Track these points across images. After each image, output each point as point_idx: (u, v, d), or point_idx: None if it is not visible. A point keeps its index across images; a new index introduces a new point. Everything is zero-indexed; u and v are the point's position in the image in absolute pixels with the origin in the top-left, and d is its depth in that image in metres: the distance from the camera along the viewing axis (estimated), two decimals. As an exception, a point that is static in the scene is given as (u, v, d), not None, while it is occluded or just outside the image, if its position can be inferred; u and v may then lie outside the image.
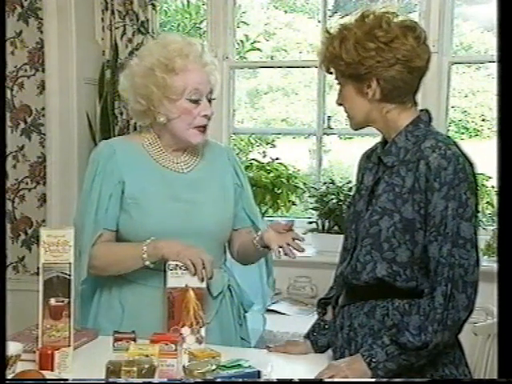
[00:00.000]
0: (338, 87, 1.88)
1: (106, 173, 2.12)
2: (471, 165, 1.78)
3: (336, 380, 1.72)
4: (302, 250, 2.02)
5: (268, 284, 2.34)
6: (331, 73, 1.86)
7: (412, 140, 1.81)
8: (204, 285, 1.99)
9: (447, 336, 1.73)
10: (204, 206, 2.15)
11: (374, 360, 1.73)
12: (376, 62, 1.76)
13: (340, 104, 1.89)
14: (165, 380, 1.70)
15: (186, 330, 1.96)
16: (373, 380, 1.73)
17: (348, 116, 1.89)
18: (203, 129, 2.14)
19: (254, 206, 2.33)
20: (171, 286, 1.97)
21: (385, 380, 1.74)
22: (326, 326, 2.01)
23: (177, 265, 1.98)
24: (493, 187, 3.32)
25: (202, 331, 1.97)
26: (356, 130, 1.91)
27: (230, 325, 2.21)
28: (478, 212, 1.78)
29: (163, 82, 2.08)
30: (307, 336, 2.04)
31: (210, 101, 2.15)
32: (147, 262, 2.03)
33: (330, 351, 1.98)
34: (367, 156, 1.97)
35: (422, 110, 1.87)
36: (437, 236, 1.73)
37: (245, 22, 4.38)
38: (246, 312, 2.29)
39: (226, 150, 2.38)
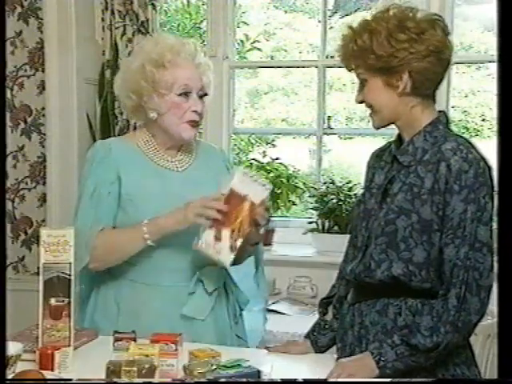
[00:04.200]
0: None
1: (103, 171, 2.12)
2: (490, 169, 1.77)
3: (341, 380, 1.72)
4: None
5: (255, 279, 2.32)
6: (350, 70, 1.84)
7: (430, 140, 1.80)
8: (260, 201, 1.97)
9: (457, 338, 1.73)
10: None
11: (382, 359, 1.73)
12: (409, 54, 1.75)
13: (361, 102, 1.86)
14: (166, 380, 1.71)
15: (225, 233, 1.95)
16: (378, 380, 1.73)
17: (372, 113, 1.86)
18: (194, 123, 2.14)
19: None
20: (233, 187, 1.96)
21: (390, 380, 1.73)
22: (327, 326, 2.01)
23: (246, 173, 1.99)
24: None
25: (239, 242, 1.96)
26: (378, 128, 1.87)
27: (224, 322, 2.21)
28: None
29: (152, 76, 2.09)
30: (307, 336, 2.04)
31: (201, 97, 2.15)
32: (149, 242, 2.03)
33: (330, 351, 1.98)
34: (377, 155, 1.97)
35: (440, 111, 1.87)
36: (453, 238, 1.73)
37: (245, 22, 4.38)
38: (242, 310, 2.29)
39: (220, 151, 2.39)
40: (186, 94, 2.11)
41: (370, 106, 1.85)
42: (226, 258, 1.97)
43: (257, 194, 1.98)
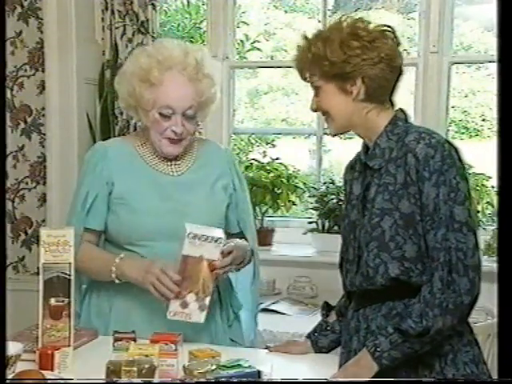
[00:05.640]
0: (312, 93, 1.88)
1: (95, 173, 2.14)
2: (456, 150, 1.79)
3: (341, 380, 1.72)
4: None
5: (252, 284, 2.31)
6: (305, 78, 1.87)
7: (394, 138, 1.82)
8: (217, 257, 1.98)
9: (449, 321, 1.72)
10: (192, 206, 2.14)
11: (378, 349, 1.72)
12: (362, 60, 1.78)
13: (315, 110, 1.89)
14: (166, 380, 1.71)
15: (191, 297, 1.97)
16: (379, 380, 1.72)
17: (328, 120, 1.88)
18: (174, 141, 2.12)
19: (246, 212, 2.29)
20: (186, 253, 1.96)
21: (392, 380, 1.73)
22: (328, 328, 2.01)
23: (196, 235, 1.97)
24: (493, 187, 3.32)
25: (207, 300, 1.98)
26: (335, 135, 1.93)
27: (217, 326, 2.19)
28: (471, 196, 1.78)
29: (133, 91, 2.10)
30: (308, 336, 2.04)
31: (191, 118, 2.11)
32: (117, 281, 2.06)
33: (333, 352, 1.98)
34: (351, 167, 1.99)
35: (397, 110, 1.88)
36: (432, 224, 1.73)
37: (245, 22, 4.37)
38: (235, 313, 2.27)
39: (226, 152, 2.35)
40: (166, 115, 2.08)
41: (325, 112, 1.87)
42: (198, 318, 1.99)
43: (211, 251, 1.98)
